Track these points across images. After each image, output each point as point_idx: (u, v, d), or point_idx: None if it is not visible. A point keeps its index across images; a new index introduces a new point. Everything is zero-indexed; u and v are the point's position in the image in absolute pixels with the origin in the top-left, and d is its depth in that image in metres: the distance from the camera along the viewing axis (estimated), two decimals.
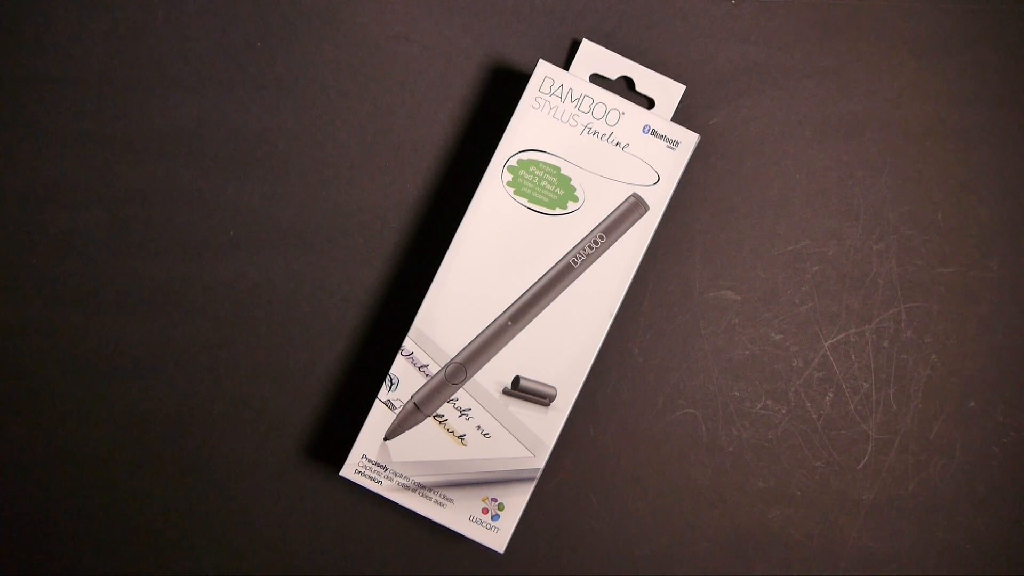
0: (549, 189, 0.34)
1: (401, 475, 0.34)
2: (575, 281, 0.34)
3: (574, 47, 0.37)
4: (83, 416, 0.37)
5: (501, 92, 0.37)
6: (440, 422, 0.34)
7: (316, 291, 0.37)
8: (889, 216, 0.37)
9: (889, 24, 0.38)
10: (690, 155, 0.34)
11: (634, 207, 0.34)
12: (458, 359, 0.34)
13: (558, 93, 0.34)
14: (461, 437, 0.34)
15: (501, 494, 0.34)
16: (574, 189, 0.34)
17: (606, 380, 0.37)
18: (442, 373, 0.34)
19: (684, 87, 0.36)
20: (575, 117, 0.34)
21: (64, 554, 0.36)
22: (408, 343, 0.34)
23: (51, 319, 0.37)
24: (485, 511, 0.34)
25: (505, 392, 0.34)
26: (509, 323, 0.34)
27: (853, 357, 0.37)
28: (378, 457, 0.34)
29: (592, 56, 0.36)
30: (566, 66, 0.37)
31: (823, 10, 0.38)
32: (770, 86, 0.37)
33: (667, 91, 0.36)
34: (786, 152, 0.37)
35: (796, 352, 0.37)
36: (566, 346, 0.34)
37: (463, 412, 0.34)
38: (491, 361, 0.34)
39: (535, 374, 0.34)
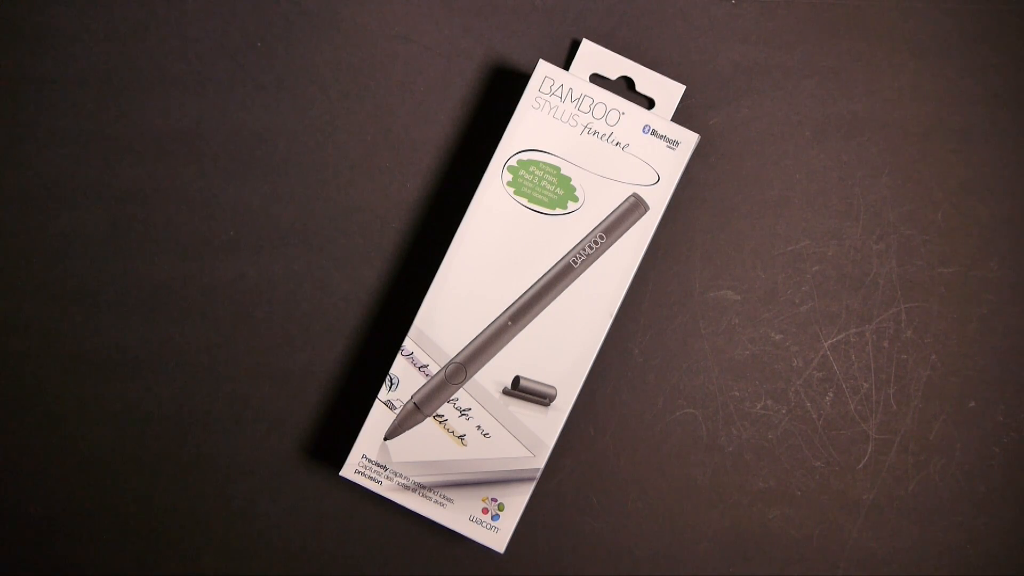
0: (549, 189, 0.34)
1: (401, 475, 0.34)
2: (575, 281, 0.34)
3: (574, 47, 0.37)
4: (83, 416, 0.37)
5: (501, 92, 0.37)
6: (440, 422, 0.34)
7: (316, 291, 0.37)
8: (889, 216, 0.37)
9: (889, 24, 0.38)
10: (690, 155, 0.34)
11: (634, 207, 0.34)
12: (458, 359, 0.34)
13: (558, 93, 0.34)
14: (461, 437, 0.34)
15: (501, 494, 0.34)
16: (574, 189, 0.34)
17: (606, 380, 0.37)
18: (442, 373, 0.34)
19: (684, 87, 0.36)
20: (575, 117, 0.34)
21: (64, 554, 0.36)
22: (408, 343, 0.34)
23: (51, 319, 0.37)
24: (485, 511, 0.34)
25: (505, 392, 0.34)
26: (509, 323, 0.34)
27: (853, 357, 0.37)
28: (378, 457, 0.34)
29: (592, 56, 0.36)
30: (566, 66, 0.37)
31: (823, 10, 0.38)
32: (770, 86, 0.37)
33: (667, 91, 0.36)
34: (786, 152, 0.37)
35: (796, 352, 0.37)
36: (566, 346, 0.34)
37: (463, 412, 0.34)
38: (491, 361, 0.34)
39: (535, 374, 0.34)
